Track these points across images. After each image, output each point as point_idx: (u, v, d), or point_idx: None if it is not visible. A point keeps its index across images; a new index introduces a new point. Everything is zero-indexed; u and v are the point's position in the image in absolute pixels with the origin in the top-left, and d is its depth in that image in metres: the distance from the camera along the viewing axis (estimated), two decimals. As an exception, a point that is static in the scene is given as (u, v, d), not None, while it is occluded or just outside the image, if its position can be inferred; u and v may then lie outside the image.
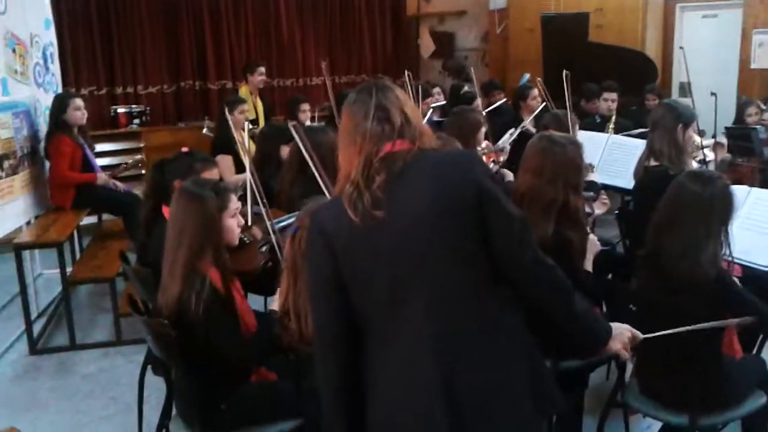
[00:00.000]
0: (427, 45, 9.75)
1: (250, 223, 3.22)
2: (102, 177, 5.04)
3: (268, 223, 2.89)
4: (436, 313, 1.63)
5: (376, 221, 1.60)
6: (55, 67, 5.66)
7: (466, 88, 6.90)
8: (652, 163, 3.43)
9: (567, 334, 1.80)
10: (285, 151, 3.99)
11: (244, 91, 6.48)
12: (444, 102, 6.54)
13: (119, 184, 5.16)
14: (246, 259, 2.93)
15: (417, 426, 1.63)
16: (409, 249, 1.61)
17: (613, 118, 5.86)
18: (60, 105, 4.93)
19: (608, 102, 5.87)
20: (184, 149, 3.26)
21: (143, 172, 6.85)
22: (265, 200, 3.00)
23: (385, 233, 1.62)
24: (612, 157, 4.50)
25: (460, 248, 1.62)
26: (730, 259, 2.48)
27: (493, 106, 6.21)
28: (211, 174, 3.08)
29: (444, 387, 1.61)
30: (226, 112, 5.24)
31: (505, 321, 1.69)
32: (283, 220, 3.15)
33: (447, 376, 1.61)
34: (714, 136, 5.10)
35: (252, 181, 3.17)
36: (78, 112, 4.95)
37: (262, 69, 6.62)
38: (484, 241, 1.63)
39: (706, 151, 4.44)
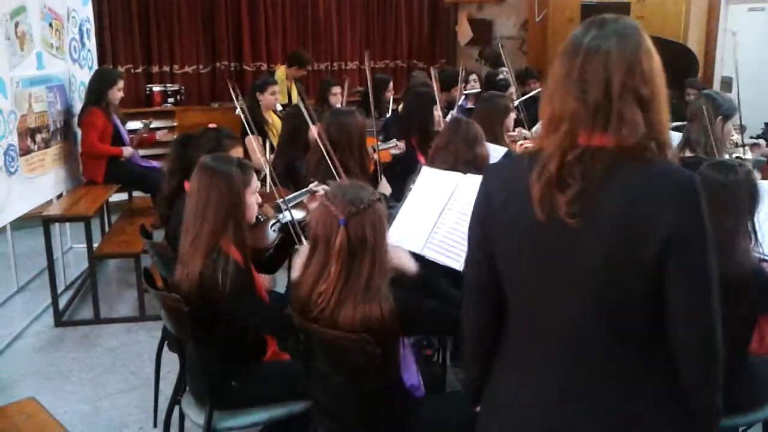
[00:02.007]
0: (464, 32, 9.63)
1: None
2: (128, 150, 5.09)
3: (279, 201, 2.89)
4: (575, 346, 1.45)
5: (563, 226, 1.38)
6: (92, 43, 5.71)
7: (501, 75, 6.80)
8: (688, 154, 3.33)
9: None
10: (312, 132, 3.95)
11: (280, 73, 6.47)
12: (479, 90, 6.46)
13: (152, 161, 5.23)
14: (259, 236, 2.92)
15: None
16: (574, 271, 1.41)
17: (651, 110, 5.71)
18: (107, 81, 4.99)
19: (646, 94, 5.72)
20: (212, 125, 3.26)
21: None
22: (275, 180, 2.99)
23: (564, 241, 1.40)
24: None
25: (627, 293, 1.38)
26: (760, 255, 2.38)
27: (528, 95, 6.12)
28: (237, 152, 3.08)
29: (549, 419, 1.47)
30: (257, 93, 5.26)
31: (653, 381, 1.43)
32: (293, 198, 3.14)
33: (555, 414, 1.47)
34: (756, 137, 4.95)
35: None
36: (120, 92, 5.06)
37: (309, 66, 6.60)
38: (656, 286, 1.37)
39: (744, 149, 4.31)
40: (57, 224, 4.93)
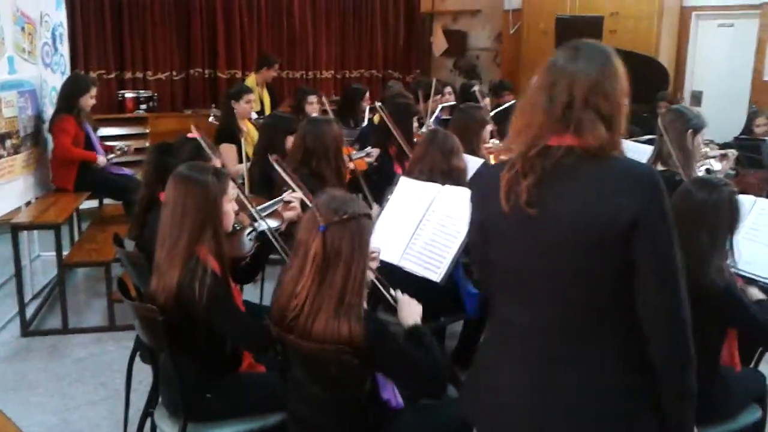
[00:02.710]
0: (439, 43, 9.69)
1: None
2: (102, 159, 5.02)
3: (253, 211, 2.88)
4: (550, 326, 1.59)
5: (525, 215, 1.55)
6: (65, 48, 5.63)
7: (476, 87, 6.85)
8: (660, 167, 3.38)
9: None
10: (290, 141, 3.94)
11: (251, 80, 6.44)
12: (454, 102, 6.49)
13: (124, 168, 5.17)
14: (235, 245, 2.89)
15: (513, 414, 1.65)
16: (545, 256, 1.56)
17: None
18: (78, 88, 4.91)
19: (618, 107, 5.79)
20: (191, 134, 3.22)
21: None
22: (243, 189, 2.99)
23: (530, 229, 1.56)
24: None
25: (594, 272, 1.53)
26: (733, 270, 2.42)
27: (502, 107, 6.16)
28: (217, 162, 3.06)
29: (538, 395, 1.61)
30: (232, 102, 5.22)
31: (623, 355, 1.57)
32: (268, 207, 3.13)
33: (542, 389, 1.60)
34: (722, 147, 5.03)
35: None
36: (92, 99, 4.98)
37: (277, 65, 6.61)
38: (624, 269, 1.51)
39: (712, 161, 4.38)
40: (25, 232, 4.82)
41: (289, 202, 3.11)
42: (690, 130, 3.31)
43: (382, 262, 2.57)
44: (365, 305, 2.06)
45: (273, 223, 2.98)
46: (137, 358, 3.06)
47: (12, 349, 4.05)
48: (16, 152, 4.53)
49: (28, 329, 4.21)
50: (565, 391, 1.58)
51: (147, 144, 6.85)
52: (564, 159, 1.53)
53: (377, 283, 2.34)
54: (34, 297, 4.71)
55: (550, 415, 1.60)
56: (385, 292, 2.31)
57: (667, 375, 1.55)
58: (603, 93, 1.56)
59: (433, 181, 3.12)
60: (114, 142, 6.52)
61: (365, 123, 5.95)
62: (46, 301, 4.71)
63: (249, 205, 2.93)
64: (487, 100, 6.41)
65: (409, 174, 3.34)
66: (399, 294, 2.30)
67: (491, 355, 1.77)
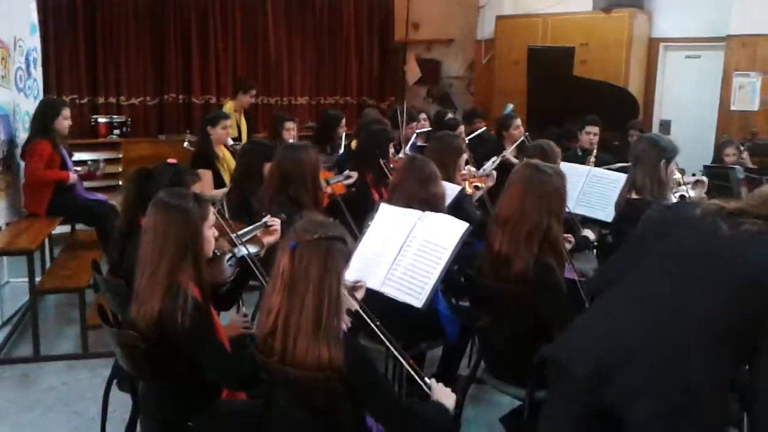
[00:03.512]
0: (413, 71, 9.80)
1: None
2: (73, 176, 4.98)
3: (233, 236, 2.87)
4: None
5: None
6: (38, 73, 5.59)
7: (449, 115, 6.93)
8: (634, 195, 3.44)
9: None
10: (267, 168, 3.94)
11: (229, 107, 6.45)
12: (429, 128, 6.55)
13: (97, 194, 5.13)
14: (215, 271, 2.87)
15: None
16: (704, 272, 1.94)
17: (594, 152, 5.90)
18: (50, 112, 4.87)
19: (590, 135, 5.91)
20: (171, 160, 3.22)
21: (120, 182, 6.77)
22: (226, 215, 2.98)
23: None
24: (592, 189, 4.51)
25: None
26: None
27: (474, 134, 6.24)
28: (198, 188, 3.06)
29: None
30: (208, 127, 5.22)
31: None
32: (248, 232, 3.12)
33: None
34: (694, 174, 5.14)
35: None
36: (66, 121, 4.93)
37: (254, 91, 6.63)
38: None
39: (687, 188, 4.47)
40: (-4, 258, 4.74)
41: (270, 226, 3.11)
42: (663, 160, 3.38)
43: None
44: (344, 328, 2.07)
45: (253, 249, 2.97)
46: (114, 387, 3.01)
47: (-19, 377, 3.97)
48: (-12, 177, 4.47)
49: (-3, 357, 4.13)
50: None
51: (120, 169, 6.80)
52: None
53: (374, 325, 2.30)
54: (4, 324, 4.61)
55: None
56: (418, 379, 2.24)
57: None
58: None
59: (411, 208, 3.14)
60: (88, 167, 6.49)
61: (341, 149, 5.99)
62: (16, 328, 4.61)
63: (229, 231, 2.92)
64: (462, 128, 6.49)
65: (387, 201, 3.36)
66: (433, 382, 2.25)
67: None
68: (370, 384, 2.04)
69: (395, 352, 2.27)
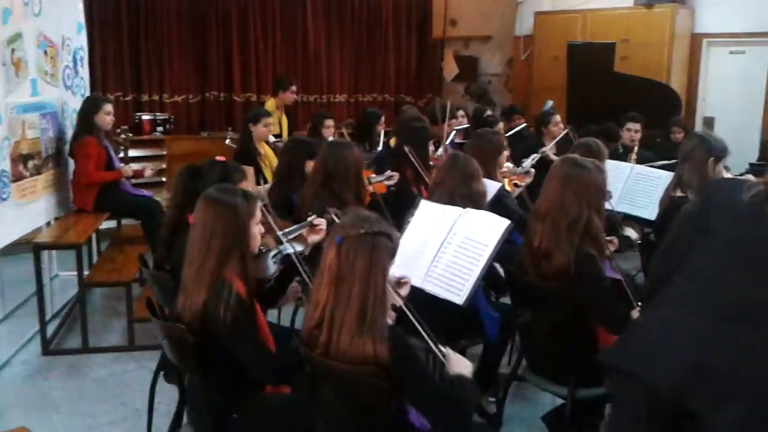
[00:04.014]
0: (450, 68, 9.79)
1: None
2: (126, 169, 5.10)
3: (280, 233, 2.90)
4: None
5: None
6: (84, 71, 5.72)
7: (488, 111, 6.92)
8: (679, 194, 3.41)
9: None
10: (309, 165, 3.99)
11: (270, 105, 6.52)
12: (467, 125, 6.55)
13: (143, 189, 5.25)
14: (260, 268, 2.92)
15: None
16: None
17: (636, 148, 5.84)
18: (92, 107, 4.97)
19: (631, 132, 5.85)
20: (219, 157, 3.28)
21: (164, 179, 6.90)
22: (272, 211, 3.02)
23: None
24: (635, 187, 4.47)
25: None
26: None
27: (514, 131, 6.23)
28: (245, 185, 3.10)
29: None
30: (250, 125, 5.29)
31: None
32: (293, 230, 3.16)
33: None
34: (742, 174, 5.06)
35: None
36: (108, 116, 5.01)
37: (294, 87, 6.69)
38: None
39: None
40: (46, 251, 4.86)
41: (317, 225, 3.14)
42: (712, 158, 3.34)
43: None
44: (389, 322, 2.09)
45: (298, 247, 3.01)
46: (160, 379, 3.08)
47: (33, 367, 4.08)
48: (38, 173, 4.59)
49: (48, 348, 4.24)
50: None
51: (164, 166, 6.93)
52: None
53: (420, 328, 2.32)
54: (54, 316, 4.74)
55: None
56: (434, 347, 2.27)
57: None
58: None
59: (453, 205, 3.16)
60: (131, 163, 6.63)
61: (380, 146, 6.02)
62: (65, 320, 4.74)
63: (276, 228, 2.96)
64: (500, 125, 6.48)
65: (429, 198, 3.38)
66: (448, 350, 2.27)
67: None
68: (415, 375, 2.05)
69: (408, 314, 2.30)
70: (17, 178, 4.28)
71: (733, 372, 1.82)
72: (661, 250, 2.25)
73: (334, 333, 2.03)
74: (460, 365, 2.21)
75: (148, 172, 5.43)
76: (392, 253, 2.11)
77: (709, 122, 7.97)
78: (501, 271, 3.23)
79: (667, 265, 2.20)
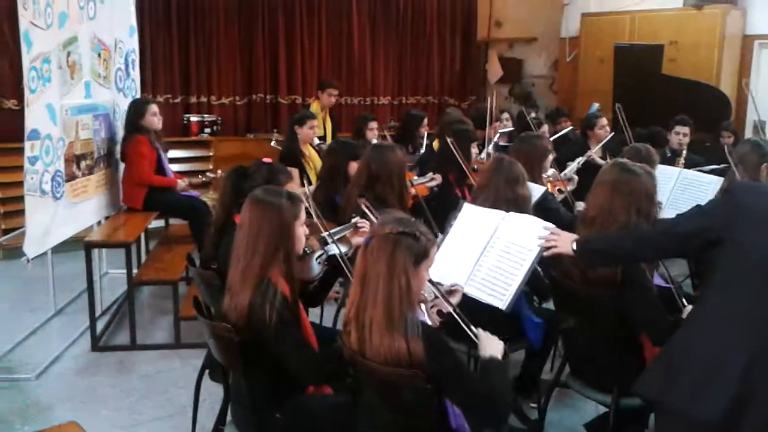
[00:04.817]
0: (494, 70, 9.74)
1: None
2: (182, 183, 5.21)
3: (325, 234, 2.93)
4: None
5: None
6: (136, 73, 5.85)
7: (533, 114, 6.87)
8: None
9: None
10: (353, 167, 4.03)
11: (315, 106, 6.58)
12: (512, 128, 6.52)
13: (191, 190, 5.35)
14: (304, 268, 2.96)
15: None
16: None
17: (684, 153, 5.72)
18: (138, 110, 5.09)
19: (680, 136, 5.74)
20: (266, 159, 3.33)
21: (210, 179, 7.01)
22: (318, 212, 3.04)
23: None
24: (683, 193, 4.39)
25: None
26: None
27: (559, 134, 6.17)
28: (291, 187, 3.13)
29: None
30: (295, 126, 5.35)
31: None
32: (338, 232, 3.18)
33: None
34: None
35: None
36: (154, 117, 5.10)
37: (334, 90, 6.71)
38: None
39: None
40: (96, 249, 4.99)
41: (361, 227, 3.17)
42: (765, 164, 3.26)
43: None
44: (420, 321, 2.09)
45: (343, 248, 3.03)
46: (205, 376, 3.14)
47: (83, 363, 4.19)
48: (91, 173, 4.72)
49: (97, 344, 4.36)
50: None
51: (211, 166, 7.05)
52: None
53: (457, 317, 2.34)
54: (103, 313, 4.87)
55: None
56: (465, 328, 2.30)
57: None
58: None
59: (497, 209, 3.15)
60: (179, 164, 6.76)
61: (423, 149, 6.02)
62: (114, 317, 4.85)
63: (322, 229, 2.99)
64: (545, 128, 6.43)
65: (473, 201, 3.37)
66: (480, 331, 2.29)
67: None
68: (452, 370, 2.05)
69: (439, 294, 2.35)
70: (70, 177, 4.41)
71: None
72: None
73: (365, 331, 2.06)
74: (491, 344, 2.22)
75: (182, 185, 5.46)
76: (419, 254, 2.09)
77: (760, 126, 7.76)
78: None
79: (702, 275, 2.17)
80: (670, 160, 5.57)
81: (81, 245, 4.45)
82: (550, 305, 3.38)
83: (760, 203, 1.99)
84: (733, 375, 1.85)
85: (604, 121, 5.96)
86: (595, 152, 5.34)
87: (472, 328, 2.29)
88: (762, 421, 1.82)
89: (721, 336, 1.93)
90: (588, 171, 4.55)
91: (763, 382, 1.83)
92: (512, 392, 2.54)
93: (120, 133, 5.24)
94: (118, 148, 5.17)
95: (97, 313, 4.60)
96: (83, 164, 4.62)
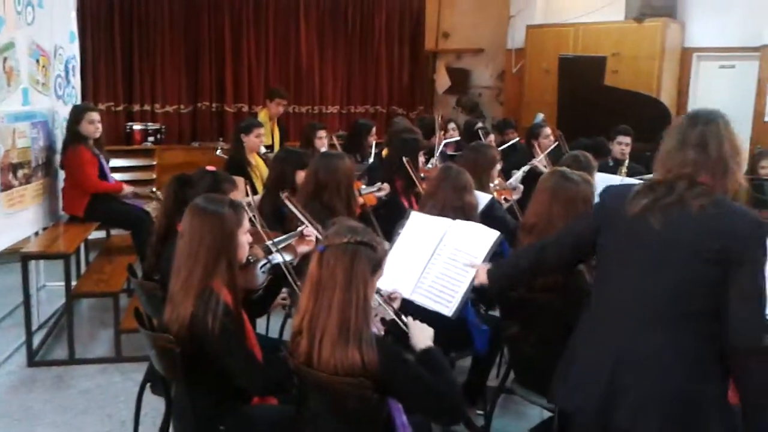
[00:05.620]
0: (442, 80, 9.82)
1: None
2: (127, 189, 5.10)
3: (269, 243, 2.90)
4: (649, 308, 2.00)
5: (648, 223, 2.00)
6: (76, 80, 5.71)
7: (479, 124, 6.94)
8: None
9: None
10: (300, 175, 3.99)
11: (263, 115, 6.52)
12: (458, 138, 6.57)
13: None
14: (248, 277, 2.91)
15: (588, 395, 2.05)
16: (656, 259, 1.99)
17: (626, 162, 5.85)
18: (75, 116, 4.95)
19: (622, 145, 5.87)
20: (210, 167, 3.27)
21: (154, 189, 6.87)
22: (261, 221, 3.01)
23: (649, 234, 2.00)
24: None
25: (694, 288, 1.96)
26: None
27: (506, 145, 6.24)
28: (235, 196, 3.08)
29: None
30: (242, 135, 5.29)
31: (700, 350, 1.97)
32: (282, 240, 3.15)
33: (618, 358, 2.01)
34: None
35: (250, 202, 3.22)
36: (92, 125, 4.95)
37: (282, 100, 6.68)
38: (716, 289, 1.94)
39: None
40: (33, 261, 4.83)
41: (307, 236, 3.14)
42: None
43: None
44: (377, 333, 2.08)
45: (287, 257, 3.00)
46: (146, 390, 3.06)
47: (18, 378, 4.04)
48: (28, 182, 4.57)
49: (34, 359, 4.20)
50: None
51: (154, 176, 6.91)
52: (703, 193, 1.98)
53: (392, 313, 2.35)
54: (40, 327, 4.71)
55: None
56: (396, 318, 2.32)
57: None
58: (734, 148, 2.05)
59: (444, 216, 3.16)
60: (122, 173, 6.61)
61: (372, 158, 6.02)
62: (52, 331, 4.70)
63: (265, 238, 2.95)
64: (492, 137, 6.50)
65: (421, 209, 3.38)
66: (410, 319, 2.31)
67: None
68: (409, 377, 2.04)
69: (381, 301, 2.41)
70: (6, 187, 4.26)
71: (646, 384, 1.99)
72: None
73: (315, 341, 2.03)
74: (423, 333, 2.27)
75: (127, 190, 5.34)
76: (375, 264, 2.10)
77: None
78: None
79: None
80: (613, 169, 5.69)
81: (17, 257, 4.30)
82: (496, 312, 3.40)
83: (614, 205, 2.14)
84: (605, 371, 2.04)
85: (548, 130, 6.06)
86: (539, 161, 5.41)
87: (402, 317, 2.32)
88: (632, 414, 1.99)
89: (592, 336, 2.14)
90: (533, 180, 4.61)
91: (629, 375, 2.01)
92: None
93: (60, 141, 5.09)
94: (58, 156, 5.02)
95: (34, 326, 4.45)
96: (20, 173, 4.46)
